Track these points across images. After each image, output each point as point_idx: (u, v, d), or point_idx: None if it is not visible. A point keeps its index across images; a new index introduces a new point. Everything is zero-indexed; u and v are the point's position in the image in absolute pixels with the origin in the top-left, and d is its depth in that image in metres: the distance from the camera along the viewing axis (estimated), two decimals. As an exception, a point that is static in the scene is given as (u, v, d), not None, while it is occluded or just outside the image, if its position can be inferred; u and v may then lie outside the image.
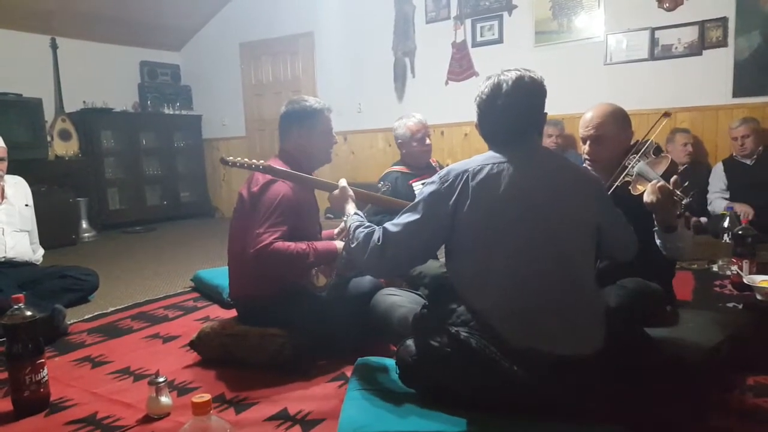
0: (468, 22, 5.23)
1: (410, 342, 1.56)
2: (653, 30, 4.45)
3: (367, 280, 2.21)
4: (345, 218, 1.85)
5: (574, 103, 4.16)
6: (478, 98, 1.58)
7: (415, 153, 2.89)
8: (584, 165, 2.11)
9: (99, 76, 6.28)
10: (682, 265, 3.03)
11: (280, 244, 1.94)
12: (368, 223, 1.70)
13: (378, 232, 1.56)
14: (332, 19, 5.92)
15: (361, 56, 5.81)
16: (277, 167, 2.03)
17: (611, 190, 1.89)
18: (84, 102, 5.99)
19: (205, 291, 3.16)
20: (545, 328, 1.40)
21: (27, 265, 3.13)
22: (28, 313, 1.74)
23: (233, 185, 6.86)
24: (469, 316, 1.45)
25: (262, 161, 2.05)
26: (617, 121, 2.05)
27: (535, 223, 1.45)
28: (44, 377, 1.76)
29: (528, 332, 1.39)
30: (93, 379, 2.02)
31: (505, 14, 5.04)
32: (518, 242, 1.44)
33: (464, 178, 1.47)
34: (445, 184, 1.49)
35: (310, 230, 2.17)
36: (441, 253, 2.45)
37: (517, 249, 1.44)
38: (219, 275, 2.99)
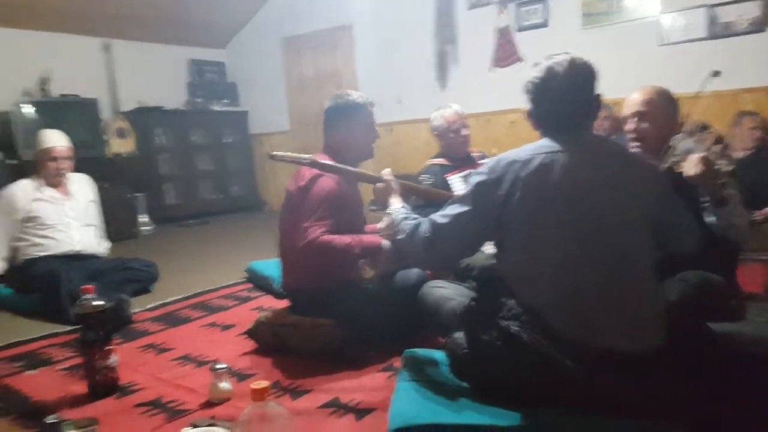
0: (512, 6, 5.14)
1: (459, 335, 1.57)
2: (712, 7, 4.24)
3: (413, 272, 2.23)
4: (390, 211, 1.85)
5: (625, 87, 3.92)
6: (529, 84, 1.54)
7: (453, 144, 2.89)
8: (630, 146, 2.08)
9: (151, 75, 6.50)
10: (751, 256, 2.89)
11: (326, 237, 1.99)
12: (414, 215, 1.71)
13: (426, 224, 1.57)
14: (371, 10, 5.92)
15: (402, 46, 5.79)
16: (323, 161, 2.09)
17: None
18: (138, 101, 6.22)
19: (258, 282, 3.27)
20: (600, 322, 1.38)
21: (93, 257, 3.31)
22: (98, 302, 1.87)
23: (281, 179, 6.98)
24: (519, 310, 1.44)
25: (308, 155, 2.10)
26: (664, 100, 2.02)
27: (590, 215, 1.42)
28: (113, 362, 1.88)
29: (582, 327, 1.37)
30: (158, 364, 2.14)
31: (550, -5, 4.93)
32: (571, 234, 1.41)
33: (514, 168, 1.44)
34: (494, 175, 1.47)
35: (355, 223, 2.21)
36: (487, 245, 2.47)
37: (570, 241, 1.41)
38: (271, 267, 3.08)
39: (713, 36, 4.26)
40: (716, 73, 1.98)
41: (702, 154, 1.67)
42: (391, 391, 1.63)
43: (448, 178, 2.76)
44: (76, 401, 1.82)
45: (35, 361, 2.25)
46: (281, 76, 6.87)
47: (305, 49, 6.64)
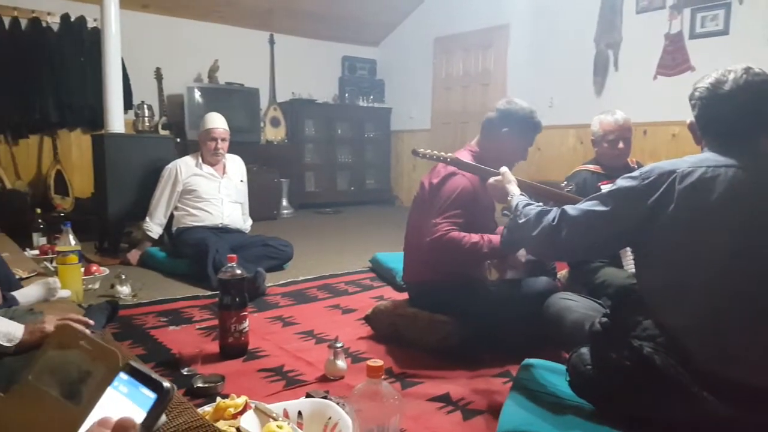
0: (687, 11, 4.70)
1: (585, 350, 1.48)
2: None
3: (542, 281, 2.14)
4: (510, 198, 1.79)
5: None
6: (698, 90, 1.41)
7: (606, 154, 2.68)
8: None
9: (306, 69, 6.93)
10: None
11: (455, 234, 1.97)
12: (538, 203, 1.65)
13: (554, 213, 1.49)
14: (530, 10, 5.77)
15: (558, 48, 5.57)
16: (464, 160, 2.05)
17: None
18: (292, 93, 6.66)
19: (381, 272, 3.35)
20: (752, 356, 1.22)
21: (238, 232, 3.60)
22: (238, 271, 2.02)
23: (414, 176, 7.08)
24: (656, 332, 1.32)
25: (450, 154, 2.08)
26: None
27: (752, 239, 1.26)
28: (245, 328, 2.02)
29: (729, 359, 1.22)
30: (283, 336, 2.27)
31: (735, 1, 4.41)
32: (729, 257, 1.27)
33: (670, 179, 1.32)
34: (645, 182, 1.35)
35: (486, 225, 2.16)
36: (630, 264, 2.28)
37: (727, 265, 1.26)
38: (394, 259, 3.13)
39: None
40: None
41: None
42: (503, 397, 1.57)
43: (602, 187, 2.58)
44: (209, 358, 1.97)
45: (178, 318, 2.48)
46: (429, 74, 6.94)
47: (456, 49, 6.64)
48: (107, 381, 0.57)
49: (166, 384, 0.56)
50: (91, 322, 1.69)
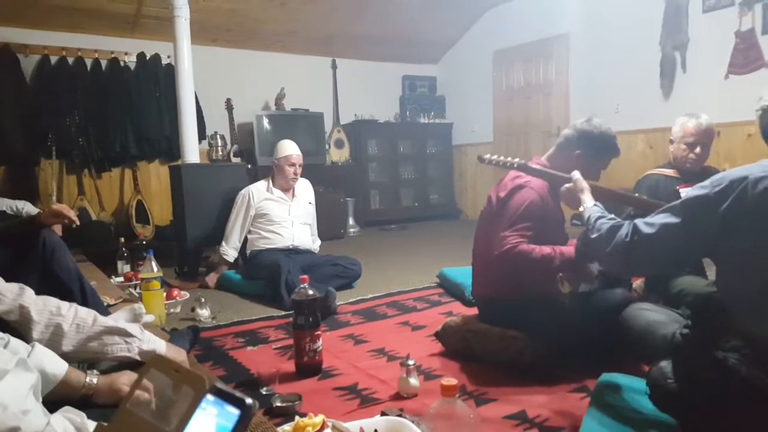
0: (758, 6, 4.47)
1: (666, 363, 1.43)
2: None
3: (617, 293, 2.08)
4: (582, 208, 1.76)
5: None
6: (763, 100, 1.39)
7: (680, 158, 2.59)
8: None
9: (368, 90, 7.09)
10: None
11: (525, 246, 1.95)
12: (611, 215, 1.62)
13: (627, 228, 1.48)
14: (590, 18, 5.68)
15: (621, 53, 5.44)
16: (532, 165, 2.05)
17: None
18: (355, 114, 6.82)
19: (449, 287, 3.34)
20: None
21: (308, 252, 3.70)
22: (311, 292, 2.08)
23: (478, 190, 7.04)
24: (741, 342, 1.27)
25: (517, 159, 2.08)
26: None
27: None
28: (319, 347, 2.07)
29: None
30: (355, 354, 2.30)
31: (810, -8, 4.18)
32: None
33: (742, 186, 1.29)
34: (716, 189, 1.32)
35: (556, 238, 2.12)
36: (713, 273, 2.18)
37: None
38: (462, 274, 3.13)
39: None
40: None
41: None
42: (581, 413, 1.54)
43: (681, 190, 2.49)
44: (285, 378, 2.01)
45: (255, 339, 2.56)
46: (489, 87, 6.93)
47: (515, 61, 6.61)
48: (195, 404, 0.62)
49: (248, 400, 0.62)
50: None
